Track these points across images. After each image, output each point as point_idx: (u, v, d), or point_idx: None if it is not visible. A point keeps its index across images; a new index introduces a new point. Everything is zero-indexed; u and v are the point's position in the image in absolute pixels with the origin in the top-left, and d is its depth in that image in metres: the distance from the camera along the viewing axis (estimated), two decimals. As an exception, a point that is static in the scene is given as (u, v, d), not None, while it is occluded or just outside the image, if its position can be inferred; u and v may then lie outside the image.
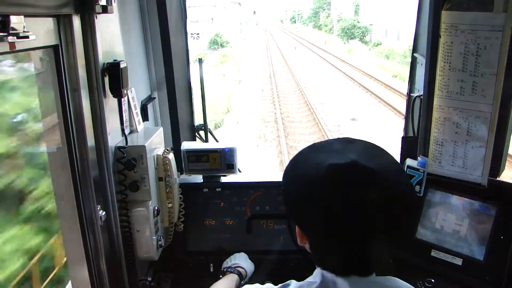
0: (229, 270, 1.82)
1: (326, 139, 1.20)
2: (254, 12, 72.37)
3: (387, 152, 1.06)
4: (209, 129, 2.44)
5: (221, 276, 1.80)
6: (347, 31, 45.42)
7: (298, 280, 1.07)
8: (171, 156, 1.86)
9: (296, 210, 1.02)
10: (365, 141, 1.09)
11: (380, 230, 0.95)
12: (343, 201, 0.93)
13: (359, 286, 0.99)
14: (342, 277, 0.99)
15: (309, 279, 1.04)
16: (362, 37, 43.42)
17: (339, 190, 0.94)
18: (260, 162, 9.62)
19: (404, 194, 1.00)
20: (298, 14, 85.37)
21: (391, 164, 1.03)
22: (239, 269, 1.84)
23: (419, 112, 2.03)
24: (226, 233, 2.19)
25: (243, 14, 62.14)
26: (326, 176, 0.95)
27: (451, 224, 1.95)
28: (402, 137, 2.18)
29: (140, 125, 1.88)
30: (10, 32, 1.02)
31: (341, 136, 1.17)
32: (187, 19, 2.27)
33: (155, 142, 1.81)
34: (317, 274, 1.03)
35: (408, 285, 1.06)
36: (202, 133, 2.45)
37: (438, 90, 1.89)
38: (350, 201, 0.93)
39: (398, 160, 2.20)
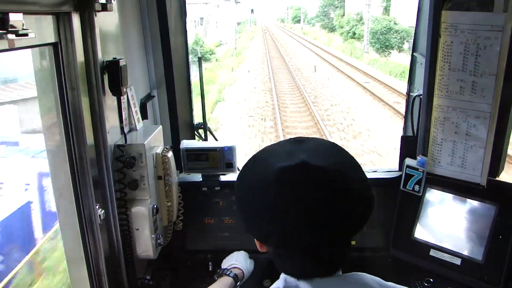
0: (224, 272, 1.81)
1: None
2: (252, 11, 64.11)
3: (341, 149, 1.00)
4: (209, 128, 2.44)
5: (216, 278, 1.80)
6: (380, 37, 28.05)
7: None
8: (170, 154, 1.85)
9: (247, 219, 0.97)
10: (318, 139, 1.03)
11: (337, 231, 0.90)
12: (294, 206, 0.88)
13: (323, 286, 0.96)
14: (303, 281, 0.96)
15: (274, 285, 1.01)
16: (400, 45, 27.74)
17: (289, 194, 0.89)
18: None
19: (360, 190, 0.94)
20: (303, 13, 74.77)
21: (345, 161, 0.97)
22: (236, 270, 1.83)
23: (418, 111, 2.03)
24: (225, 232, 2.19)
25: (240, 12, 53.76)
26: (275, 181, 0.89)
27: (450, 223, 1.95)
28: (402, 137, 2.19)
29: (140, 124, 1.87)
30: (9, 29, 1.01)
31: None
32: (187, 17, 2.27)
33: (155, 140, 1.81)
34: (281, 279, 1.00)
35: (376, 278, 1.02)
36: (201, 131, 2.44)
37: (438, 90, 1.89)
38: (301, 205, 0.88)
39: (398, 159, 2.20)
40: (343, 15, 45.80)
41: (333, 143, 1.02)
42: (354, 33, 35.51)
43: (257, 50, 34.48)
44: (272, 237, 0.93)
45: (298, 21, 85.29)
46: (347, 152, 0.99)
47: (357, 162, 0.98)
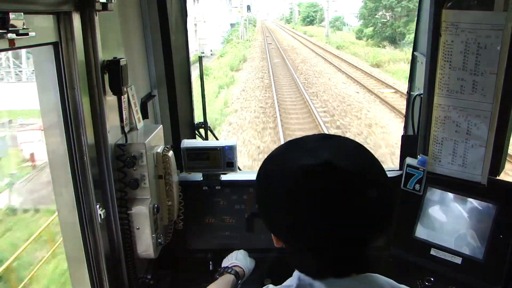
0: (226, 270, 1.81)
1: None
2: (249, 8, 48.86)
3: (366, 150, 0.98)
4: (209, 127, 2.44)
5: (217, 276, 1.80)
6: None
7: None
8: (170, 154, 1.85)
9: (267, 214, 0.97)
10: (343, 138, 1.00)
11: (356, 232, 0.90)
12: (314, 205, 0.87)
13: (338, 286, 0.95)
14: (318, 280, 0.95)
15: (286, 282, 1.01)
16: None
17: (310, 192, 0.88)
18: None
19: (382, 194, 0.92)
20: (325, 9, 47.38)
21: (368, 163, 0.95)
22: (237, 268, 1.83)
23: (419, 110, 2.03)
24: (225, 231, 2.19)
25: (233, 11, 46.65)
26: (297, 178, 0.89)
27: (450, 223, 1.95)
28: (402, 136, 2.19)
29: (140, 123, 1.87)
30: (10, 29, 1.02)
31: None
32: (188, 17, 2.27)
33: (155, 140, 1.81)
34: (294, 277, 1.00)
35: (390, 280, 1.02)
36: (202, 131, 2.44)
37: (438, 89, 1.89)
38: (322, 204, 0.87)
39: (398, 159, 2.20)
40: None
41: (358, 144, 1.00)
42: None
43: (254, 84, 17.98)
44: (290, 233, 0.93)
45: (311, 22, 72.04)
46: (371, 153, 0.98)
47: (381, 165, 0.97)
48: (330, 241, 0.90)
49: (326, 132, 10.12)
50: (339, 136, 1.02)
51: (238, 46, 32.25)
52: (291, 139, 1.04)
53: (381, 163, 0.98)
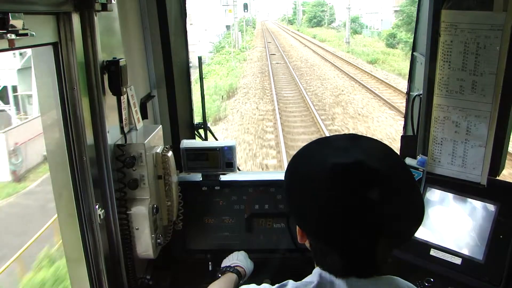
0: (228, 269, 1.81)
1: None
2: (246, 7, 36.36)
3: (394, 152, 1.02)
4: (209, 128, 2.44)
5: (219, 275, 1.80)
6: None
7: (296, 278, 1.06)
8: (170, 154, 1.85)
9: (296, 209, 0.99)
10: (372, 139, 1.04)
11: (382, 233, 0.92)
12: (345, 203, 0.89)
13: (358, 286, 0.97)
14: (340, 278, 0.97)
15: (307, 278, 1.02)
16: None
17: (341, 190, 0.90)
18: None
19: (410, 196, 0.95)
20: (346, 8, 35.59)
21: (397, 165, 0.99)
22: (238, 268, 1.83)
23: (418, 111, 2.03)
24: (225, 232, 2.19)
25: (227, 11, 37.54)
26: (329, 176, 0.91)
27: (450, 223, 1.95)
28: (402, 136, 2.19)
29: (140, 123, 1.88)
30: (10, 29, 1.02)
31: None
32: (187, 17, 2.27)
33: (154, 140, 1.81)
34: (315, 274, 1.01)
35: (410, 284, 1.04)
36: (201, 131, 2.44)
37: (438, 89, 1.89)
38: (352, 203, 0.89)
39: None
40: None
41: (387, 146, 1.03)
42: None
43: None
44: (317, 230, 0.95)
45: (318, 24, 62.61)
46: (398, 155, 1.02)
47: (408, 167, 1.00)
48: (357, 240, 0.91)
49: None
50: (367, 137, 1.05)
51: (230, 59, 24.15)
52: (320, 137, 1.07)
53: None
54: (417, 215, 0.96)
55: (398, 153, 2.19)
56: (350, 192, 0.90)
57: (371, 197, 0.89)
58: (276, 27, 76.54)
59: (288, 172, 1.02)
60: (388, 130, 11.42)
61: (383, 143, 1.04)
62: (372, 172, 0.90)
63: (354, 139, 1.02)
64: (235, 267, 1.83)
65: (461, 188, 1.92)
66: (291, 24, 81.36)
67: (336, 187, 0.91)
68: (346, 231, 0.91)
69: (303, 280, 1.02)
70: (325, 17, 64.14)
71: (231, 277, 1.76)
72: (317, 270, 1.01)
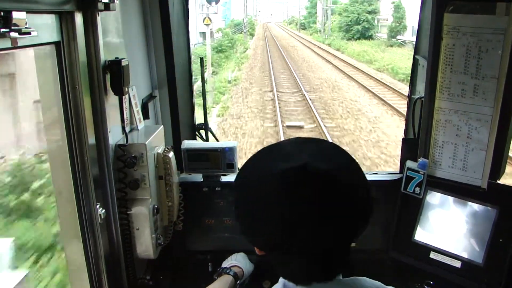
0: (224, 271, 1.81)
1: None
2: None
3: (343, 151, 0.98)
4: (210, 128, 2.44)
5: (215, 277, 1.79)
6: None
7: None
8: (171, 154, 1.85)
9: (244, 221, 0.96)
10: (321, 140, 1.02)
11: (337, 234, 0.89)
12: (294, 209, 0.86)
13: None
14: (302, 285, 0.95)
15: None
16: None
17: (290, 196, 0.87)
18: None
19: (361, 195, 0.93)
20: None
21: (347, 164, 0.96)
22: (235, 268, 1.83)
23: (420, 114, 2.03)
24: (225, 233, 2.19)
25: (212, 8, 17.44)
26: (276, 183, 0.88)
27: (450, 226, 1.95)
28: (403, 139, 2.19)
29: (141, 123, 1.88)
30: (12, 28, 1.02)
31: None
32: (189, 17, 2.27)
33: (156, 140, 1.81)
34: (279, 283, 1.00)
35: (377, 283, 1.01)
36: (202, 132, 2.44)
37: (439, 92, 1.89)
38: (302, 208, 0.86)
39: (398, 161, 2.20)
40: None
41: (335, 145, 1.01)
42: None
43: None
44: (270, 240, 0.92)
45: (363, 35, 36.99)
46: (348, 154, 0.98)
47: (358, 165, 0.97)
48: (312, 244, 0.89)
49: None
50: (316, 139, 1.02)
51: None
52: (267, 145, 1.03)
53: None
54: (366, 212, 0.93)
55: (400, 155, 2.19)
56: (299, 197, 0.87)
57: (321, 200, 0.87)
58: (283, 32, 60.33)
59: (235, 187, 0.99)
60: None
61: (331, 143, 1.01)
62: (320, 174, 0.88)
63: (301, 143, 0.99)
64: (232, 268, 1.83)
65: (462, 191, 1.92)
66: (303, 29, 64.11)
67: (284, 193, 0.88)
68: (297, 238, 0.88)
69: None
70: (376, 23, 39.50)
71: (226, 279, 1.76)
72: (281, 279, 1.00)
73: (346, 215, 0.89)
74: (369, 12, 39.72)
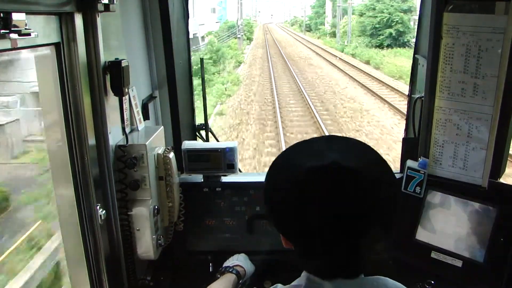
0: (227, 269, 1.81)
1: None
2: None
3: (372, 149, 1.00)
4: (210, 129, 2.44)
5: (218, 276, 1.80)
6: None
7: None
8: (171, 155, 1.85)
9: (277, 215, 0.98)
10: (348, 139, 1.03)
11: (364, 232, 0.91)
12: (323, 205, 0.88)
13: (346, 287, 0.97)
14: (328, 280, 0.97)
15: (295, 282, 1.02)
16: None
17: (319, 194, 0.89)
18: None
19: (389, 194, 0.95)
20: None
21: (375, 162, 0.97)
22: (238, 268, 1.83)
23: (420, 113, 2.03)
24: (226, 233, 2.19)
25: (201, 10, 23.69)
26: (306, 180, 0.90)
27: (451, 225, 1.95)
28: (403, 138, 2.19)
29: (141, 124, 1.88)
30: (12, 29, 1.02)
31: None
32: (189, 18, 2.27)
33: (156, 141, 1.81)
34: (303, 277, 1.01)
35: (398, 284, 1.03)
36: (203, 132, 2.44)
37: (439, 92, 1.89)
38: (331, 204, 0.88)
39: (399, 161, 2.20)
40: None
41: (364, 143, 1.02)
42: None
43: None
44: (299, 235, 0.95)
45: (396, 41, 28.31)
46: (377, 153, 0.99)
47: (387, 164, 0.98)
48: (340, 240, 0.91)
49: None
50: (345, 137, 1.04)
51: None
52: (296, 142, 1.05)
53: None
54: (394, 209, 0.96)
55: (400, 155, 2.19)
56: (327, 194, 0.89)
57: (349, 198, 0.88)
58: (286, 35, 50.60)
59: (267, 179, 1.01)
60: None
61: (359, 141, 1.03)
62: (349, 172, 0.89)
63: (330, 140, 1.02)
64: (235, 267, 1.83)
65: (462, 190, 1.92)
66: (309, 31, 57.49)
67: (313, 190, 0.90)
68: (326, 234, 0.90)
69: (292, 283, 1.02)
70: (413, 25, 27.30)
71: (229, 277, 1.76)
72: (304, 273, 1.01)
73: (373, 213, 0.91)
74: (404, 11, 29.73)
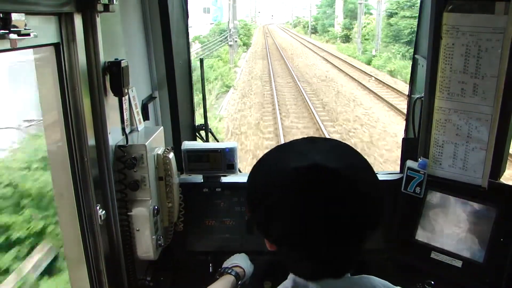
0: (226, 270, 1.81)
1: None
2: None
3: (354, 151, 1.00)
4: (210, 129, 2.44)
5: (217, 277, 1.80)
6: None
7: None
8: (171, 155, 1.85)
9: (257, 217, 0.97)
10: (331, 140, 1.03)
11: (348, 232, 0.90)
12: (306, 206, 0.88)
13: None
14: (313, 282, 0.96)
15: (281, 285, 1.02)
16: None
17: (302, 194, 0.88)
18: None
19: (372, 194, 0.94)
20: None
21: (358, 163, 0.97)
22: (237, 269, 1.83)
23: (420, 113, 2.03)
24: (225, 233, 2.19)
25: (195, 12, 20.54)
26: (289, 181, 0.90)
27: (451, 226, 1.95)
28: (403, 139, 2.19)
29: (141, 124, 1.88)
30: (12, 29, 1.02)
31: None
32: (189, 18, 2.27)
33: (156, 141, 1.81)
34: (289, 279, 1.01)
35: (385, 282, 1.02)
36: (202, 133, 2.44)
37: (439, 92, 1.89)
38: (313, 206, 0.87)
39: (399, 161, 2.20)
40: None
41: (347, 144, 1.02)
42: None
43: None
44: (282, 236, 0.94)
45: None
46: (360, 154, 0.99)
47: (370, 165, 0.97)
48: (323, 241, 0.90)
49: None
50: (328, 138, 1.04)
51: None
52: (279, 144, 1.05)
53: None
54: (378, 209, 0.95)
55: (400, 155, 2.19)
56: (310, 195, 0.88)
57: (332, 198, 0.88)
58: (290, 39, 44.41)
59: (249, 182, 1.00)
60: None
61: (343, 143, 1.03)
62: (331, 173, 0.89)
63: (312, 142, 1.00)
64: (233, 268, 1.83)
65: (462, 190, 1.92)
66: (314, 33, 52.17)
67: (296, 191, 0.89)
68: (309, 235, 0.89)
69: (279, 286, 1.01)
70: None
71: (228, 279, 1.76)
72: (291, 275, 1.01)
73: (356, 214, 0.90)
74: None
